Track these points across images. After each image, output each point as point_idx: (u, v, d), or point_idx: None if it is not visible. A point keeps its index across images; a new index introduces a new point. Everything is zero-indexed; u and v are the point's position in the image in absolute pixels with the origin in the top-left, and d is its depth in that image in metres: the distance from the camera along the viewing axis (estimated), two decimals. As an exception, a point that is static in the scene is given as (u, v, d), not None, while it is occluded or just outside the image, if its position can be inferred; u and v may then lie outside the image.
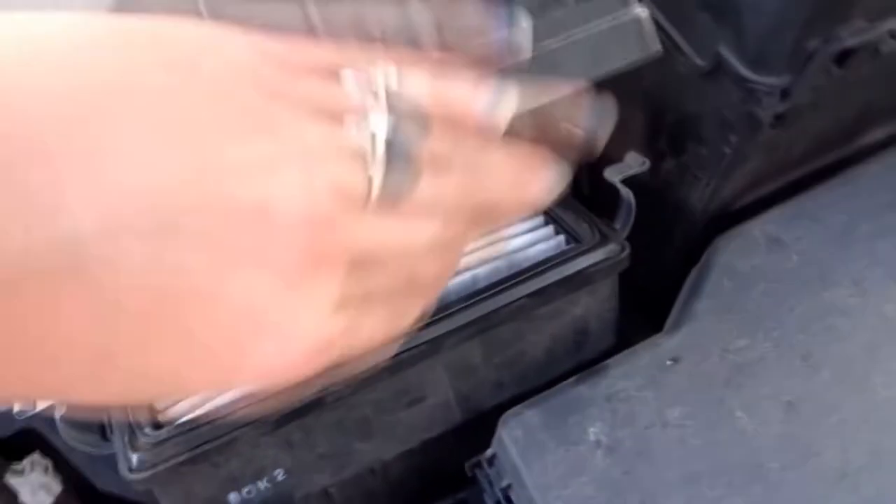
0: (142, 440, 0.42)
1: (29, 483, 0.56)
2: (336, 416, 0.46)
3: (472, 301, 0.47)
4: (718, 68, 0.45)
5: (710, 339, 0.45)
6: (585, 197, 0.57)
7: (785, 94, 0.42)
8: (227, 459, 0.44)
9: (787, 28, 0.40)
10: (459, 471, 0.51)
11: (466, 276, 0.50)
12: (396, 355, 0.45)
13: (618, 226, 0.52)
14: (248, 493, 0.45)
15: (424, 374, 0.47)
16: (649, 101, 0.53)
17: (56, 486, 0.58)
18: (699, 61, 0.46)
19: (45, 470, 0.57)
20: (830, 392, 0.43)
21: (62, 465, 0.60)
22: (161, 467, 0.42)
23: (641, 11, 0.37)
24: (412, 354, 0.45)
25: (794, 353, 0.44)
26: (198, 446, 0.42)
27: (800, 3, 0.40)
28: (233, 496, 0.45)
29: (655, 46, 0.37)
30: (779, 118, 0.45)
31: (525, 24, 0.29)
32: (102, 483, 0.58)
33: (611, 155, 0.54)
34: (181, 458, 0.42)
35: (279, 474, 0.46)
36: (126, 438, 0.42)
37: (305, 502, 0.56)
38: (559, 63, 0.35)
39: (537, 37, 0.33)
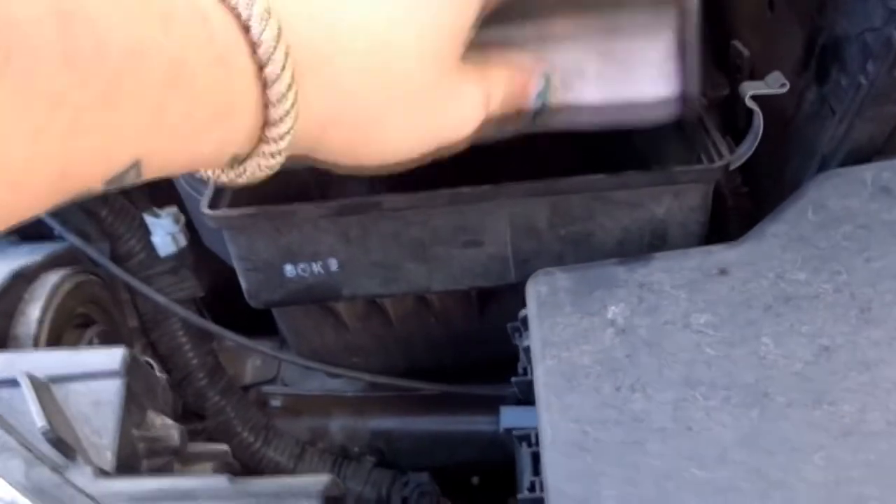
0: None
1: (161, 226, 0.65)
2: (392, 226, 0.49)
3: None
4: (871, -17, 0.41)
5: (767, 261, 0.43)
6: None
7: (930, 20, 0.38)
8: (288, 229, 0.49)
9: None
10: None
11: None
12: (457, 189, 0.47)
13: (743, 148, 0.49)
14: (303, 270, 0.51)
15: (484, 219, 0.49)
16: (807, 20, 0.49)
17: (182, 241, 0.67)
18: (858, -25, 0.42)
19: (177, 221, 0.66)
20: (876, 350, 0.39)
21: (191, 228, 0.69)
22: (233, 212, 0.48)
23: None
24: (473, 193, 0.47)
25: (853, 303, 0.41)
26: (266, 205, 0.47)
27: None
28: (288, 267, 0.50)
29: None
30: (928, 54, 0.41)
31: None
32: (207, 240, 0.66)
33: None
34: (249, 211, 0.47)
35: (333, 264, 0.51)
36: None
37: (365, 313, 0.60)
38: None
39: None
